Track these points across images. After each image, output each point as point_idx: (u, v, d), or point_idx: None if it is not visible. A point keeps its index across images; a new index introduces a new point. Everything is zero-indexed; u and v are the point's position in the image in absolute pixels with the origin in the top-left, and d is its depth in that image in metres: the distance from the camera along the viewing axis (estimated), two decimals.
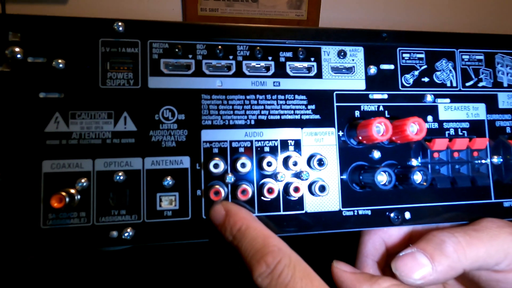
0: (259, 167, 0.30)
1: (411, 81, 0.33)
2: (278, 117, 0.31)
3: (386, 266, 0.33)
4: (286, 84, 0.31)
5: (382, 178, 0.29)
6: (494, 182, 0.33)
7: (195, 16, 0.93)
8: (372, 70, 0.32)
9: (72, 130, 0.28)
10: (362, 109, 0.32)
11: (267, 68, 0.31)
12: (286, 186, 0.30)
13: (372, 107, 0.32)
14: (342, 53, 0.32)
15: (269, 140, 0.30)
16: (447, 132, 0.33)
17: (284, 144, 0.31)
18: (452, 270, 0.26)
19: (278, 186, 0.30)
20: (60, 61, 0.27)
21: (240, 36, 0.31)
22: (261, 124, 0.31)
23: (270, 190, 0.29)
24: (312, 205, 0.30)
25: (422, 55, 0.34)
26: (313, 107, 0.31)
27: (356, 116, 0.32)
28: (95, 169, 0.28)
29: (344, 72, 0.33)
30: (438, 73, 0.34)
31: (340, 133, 0.32)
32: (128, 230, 0.27)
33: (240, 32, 0.31)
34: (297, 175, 0.30)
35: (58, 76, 0.28)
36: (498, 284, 0.29)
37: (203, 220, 0.29)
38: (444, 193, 0.32)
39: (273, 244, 0.25)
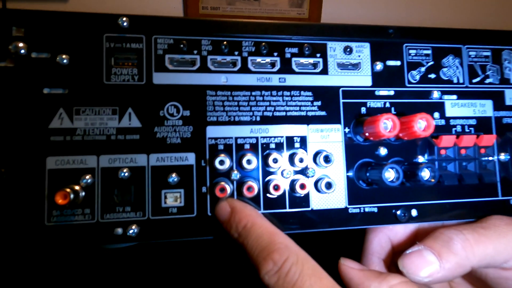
0: (265, 164, 0.29)
1: (417, 77, 0.33)
2: (284, 113, 0.31)
3: (392, 264, 0.33)
4: (291, 80, 0.31)
5: (389, 174, 0.28)
6: (501, 179, 0.33)
7: (196, 14, 0.93)
8: (379, 66, 0.32)
9: (76, 126, 0.27)
10: (368, 106, 0.32)
11: (273, 64, 0.31)
12: (292, 183, 0.30)
13: (378, 103, 0.32)
14: (348, 49, 0.32)
15: (274, 137, 0.30)
16: (454, 129, 0.33)
17: (290, 141, 0.30)
18: (460, 267, 0.26)
19: (284, 183, 0.29)
20: (64, 56, 0.27)
21: (245, 32, 0.30)
22: (266, 120, 0.30)
23: (276, 187, 0.29)
24: (318, 202, 0.30)
25: (429, 52, 0.33)
26: (319, 103, 0.31)
27: (362, 112, 0.32)
28: (100, 166, 0.27)
29: (350, 68, 0.32)
30: (445, 69, 0.33)
31: (346, 129, 0.31)
32: (133, 227, 0.27)
33: (245, 27, 0.31)
34: (303, 172, 0.30)
35: (62, 72, 0.27)
36: (506, 281, 0.28)
37: (208, 217, 0.29)
38: (451, 190, 0.32)
39: (279, 241, 0.24)
